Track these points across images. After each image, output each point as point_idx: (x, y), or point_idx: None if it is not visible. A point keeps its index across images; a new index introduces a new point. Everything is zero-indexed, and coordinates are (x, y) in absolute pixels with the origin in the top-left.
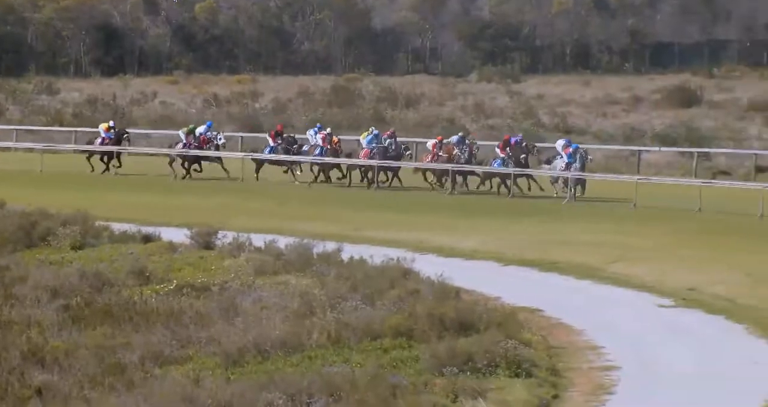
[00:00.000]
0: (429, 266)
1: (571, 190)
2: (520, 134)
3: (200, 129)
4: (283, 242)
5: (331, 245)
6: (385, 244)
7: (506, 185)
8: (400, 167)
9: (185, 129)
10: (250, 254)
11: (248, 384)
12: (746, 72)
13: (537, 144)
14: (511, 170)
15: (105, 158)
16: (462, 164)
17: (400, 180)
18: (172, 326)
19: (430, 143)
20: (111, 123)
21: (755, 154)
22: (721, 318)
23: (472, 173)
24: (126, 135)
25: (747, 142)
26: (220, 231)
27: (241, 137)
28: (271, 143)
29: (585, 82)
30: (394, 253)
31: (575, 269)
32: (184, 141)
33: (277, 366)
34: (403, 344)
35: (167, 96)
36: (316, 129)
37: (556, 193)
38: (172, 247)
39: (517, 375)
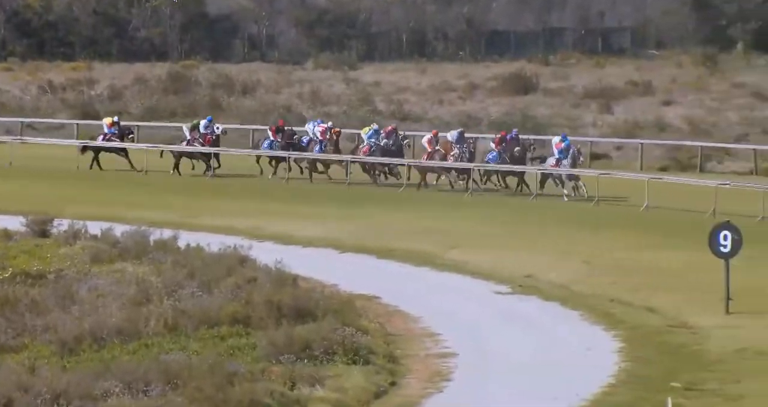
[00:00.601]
0: (266, 253)
1: (559, 186)
2: (515, 129)
3: (202, 124)
4: (119, 229)
5: (168, 233)
6: (223, 231)
7: (500, 181)
8: (402, 164)
9: (189, 124)
10: (86, 242)
11: (84, 373)
12: (581, 59)
13: (532, 138)
14: (501, 167)
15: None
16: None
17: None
18: (7, 314)
19: (425, 139)
20: (115, 118)
21: (590, 141)
22: (557, 305)
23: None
24: (131, 134)
25: (582, 129)
26: (56, 219)
27: (77, 124)
28: (271, 138)
29: (421, 69)
30: (231, 240)
31: (413, 257)
32: (189, 137)
33: (114, 354)
34: (240, 331)
35: (1, 83)
36: (316, 122)
37: (566, 194)
38: (7, 235)
39: (354, 362)
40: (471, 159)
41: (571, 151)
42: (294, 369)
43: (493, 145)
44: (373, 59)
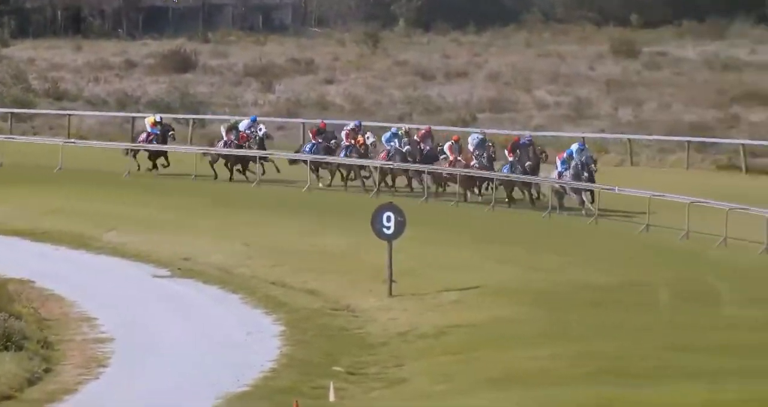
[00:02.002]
0: None
1: (559, 199)
2: (529, 135)
3: (243, 124)
4: None
5: None
6: None
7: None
8: (424, 170)
9: (226, 125)
10: None
11: None
12: (241, 37)
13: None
14: (492, 174)
15: (151, 156)
16: (479, 169)
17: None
18: None
19: (446, 145)
20: (158, 117)
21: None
22: (217, 288)
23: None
24: (171, 132)
25: (243, 108)
26: None
27: None
28: (312, 141)
29: (77, 46)
30: None
31: (68, 239)
32: (225, 139)
33: None
34: None
35: None
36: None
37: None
38: None
39: (6, 349)
40: (490, 166)
41: (574, 162)
42: None
43: (506, 153)
44: (27, 36)
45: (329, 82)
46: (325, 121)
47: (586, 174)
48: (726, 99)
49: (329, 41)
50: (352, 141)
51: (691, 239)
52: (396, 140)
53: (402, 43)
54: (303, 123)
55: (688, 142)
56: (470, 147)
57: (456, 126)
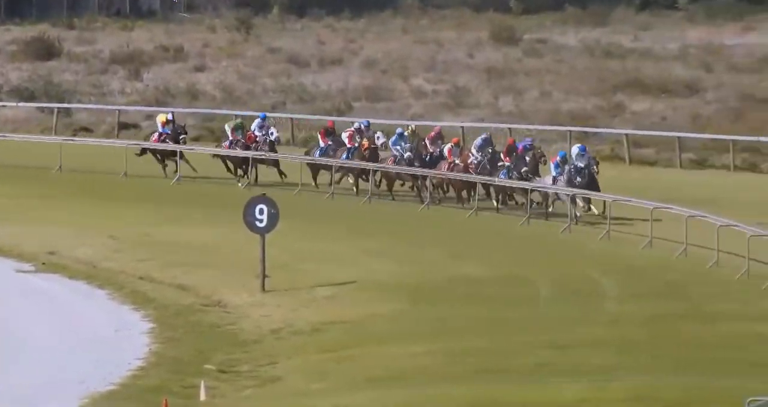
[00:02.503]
0: None
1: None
2: (530, 139)
3: (254, 124)
4: None
5: None
6: None
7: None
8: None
9: (231, 124)
10: None
11: None
12: (108, 23)
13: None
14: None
15: (159, 156)
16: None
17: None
18: None
19: (446, 147)
20: (169, 115)
21: (118, 110)
22: (83, 284)
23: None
24: (184, 136)
25: (110, 97)
26: None
27: None
28: (322, 144)
29: None
30: None
31: None
32: (230, 138)
33: None
34: None
35: None
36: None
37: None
38: None
39: None
40: (492, 170)
41: (567, 167)
42: None
43: (502, 156)
44: None
45: (199, 70)
46: (331, 119)
47: (579, 179)
48: (608, 87)
49: (199, 27)
50: (356, 144)
51: (574, 232)
52: (403, 142)
53: (275, 30)
54: (172, 112)
55: (570, 132)
56: (473, 150)
57: (331, 115)
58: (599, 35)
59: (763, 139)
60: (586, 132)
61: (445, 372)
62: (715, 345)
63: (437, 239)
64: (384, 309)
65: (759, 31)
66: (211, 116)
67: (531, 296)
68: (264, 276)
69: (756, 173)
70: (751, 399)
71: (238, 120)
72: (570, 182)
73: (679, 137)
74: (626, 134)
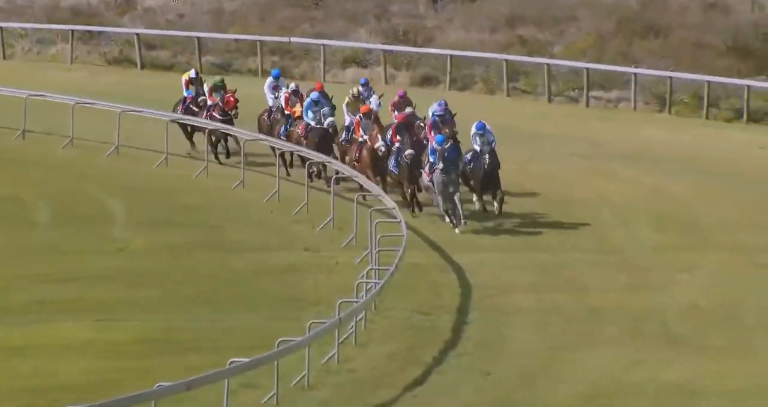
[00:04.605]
0: None
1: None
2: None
3: (267, 83)
4: None
5: None
6: None
7: None
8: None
9: (210, 82)
10: None
11: None
12: None
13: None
14: None
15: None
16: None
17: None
18: None
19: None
20: (192, 73)
21: None
22: None
23: None
24: (203, 98)
25: None
26: None
27: None
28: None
29: None
30: None
31: None
32: (209, 102)
33: None
34: None
35: None
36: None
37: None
38: None
39: None
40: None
41: (447, 145)
42: None
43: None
44: None
45: None
46: None
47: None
48: None
49: None
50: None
51: (77, 147)
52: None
53: None
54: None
55: (72, 31)
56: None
57: None
58: None
59: (294, 39)
60: (91, 31)
61: None
62: (237, 279)
63: None
64: None
65: None
66: None
67: (26, 220)
68: None
69: None
70: (281, 339)
71: (218, 79)
72: (452, 164)
73: (198, 38)
74: (137, 34)
